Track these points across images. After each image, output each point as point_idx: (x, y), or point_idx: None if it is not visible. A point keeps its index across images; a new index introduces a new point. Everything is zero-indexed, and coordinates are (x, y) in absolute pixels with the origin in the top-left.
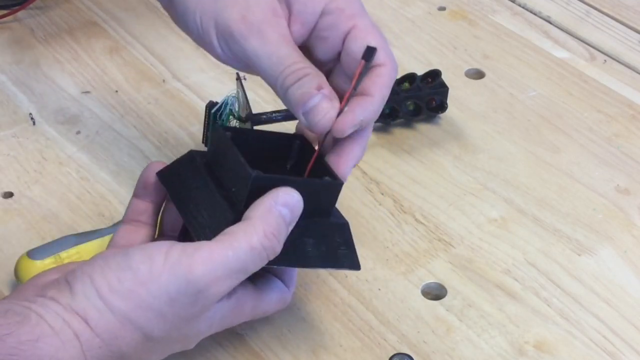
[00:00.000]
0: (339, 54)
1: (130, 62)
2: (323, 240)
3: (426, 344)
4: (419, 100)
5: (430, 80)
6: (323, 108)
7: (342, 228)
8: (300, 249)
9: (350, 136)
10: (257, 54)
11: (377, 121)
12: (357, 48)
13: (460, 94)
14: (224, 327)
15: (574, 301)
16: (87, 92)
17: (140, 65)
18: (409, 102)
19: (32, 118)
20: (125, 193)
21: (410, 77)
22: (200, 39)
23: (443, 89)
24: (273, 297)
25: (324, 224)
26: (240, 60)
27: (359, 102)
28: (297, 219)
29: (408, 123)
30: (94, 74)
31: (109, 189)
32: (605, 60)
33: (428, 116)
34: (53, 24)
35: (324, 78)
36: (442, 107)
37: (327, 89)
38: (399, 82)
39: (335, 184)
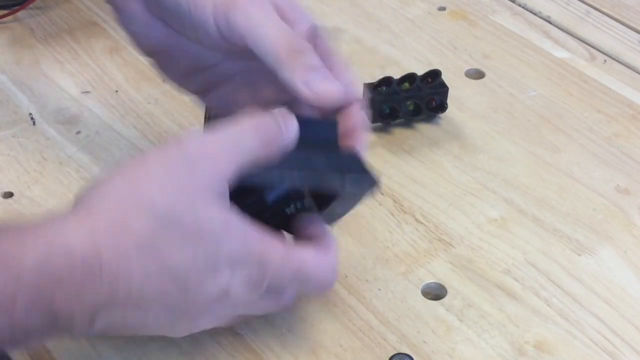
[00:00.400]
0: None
1: (130, 62)
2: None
3: (426, 344)
4: (419, 100)
5: (430, 80)
6: (331, 80)
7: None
8: (307, 163)
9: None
10: (259, 22)
11: (376, 121)
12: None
13: (460, 94)
14: (256, 259)
15: (574, 301)
16: (87, 92)
17: (140, 65)
18: (409, 102)
19: (32, 118)
20: None
21: (410, 77)
22: (190, 19)
23: (443, 89)
24: (305, 251)
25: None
26: (233, 33)
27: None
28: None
29: (408, 123)
30: (94, 74)
31: None
32: (605, 60)
33: (428, 116)
34: (53, 24)
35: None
36: (442, 107)
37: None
38: (399, 82)
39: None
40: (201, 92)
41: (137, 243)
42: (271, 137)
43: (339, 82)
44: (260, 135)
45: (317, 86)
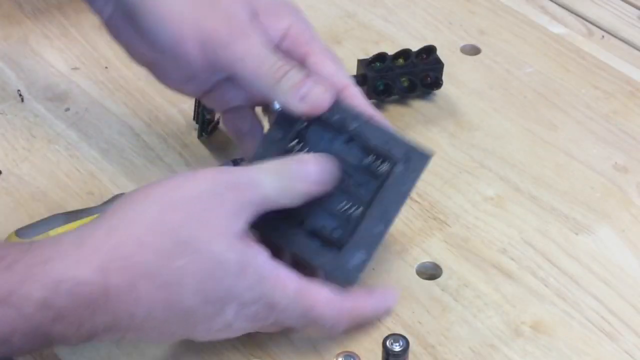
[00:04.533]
0: None
1: None
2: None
3: (421, 324)
4: (413, 76)
5: (425, 56)
6: (318, 89)
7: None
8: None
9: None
10: (244, 55)
11: (371, 98)
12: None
13: (455, 70)
14: (266, 301)
15: (571, 281)
16: (77, 68)
17: None
18: (403, 79)
19: (20, 95)
20: (115, 171)
21: (404, 53)
22: (172, 51)
23: (438, 65)
24: (321, 291)
25: None
26: (218, 67)
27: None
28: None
29: (402, 100)
30: (84, 50)
31: (98, 167)
32: (603, 36)
33: (423, 93)
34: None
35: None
36: (437, 83)
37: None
38: (394, 58)
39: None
40: (197, 95)
41: (148, 270)
42: (290, 184)
43: (326, 85)
44: (281, 178)
45: (311, 101)
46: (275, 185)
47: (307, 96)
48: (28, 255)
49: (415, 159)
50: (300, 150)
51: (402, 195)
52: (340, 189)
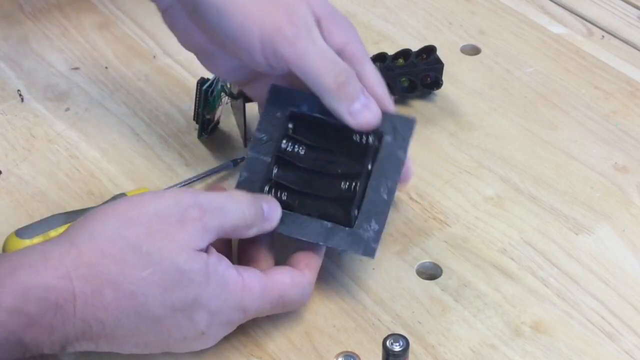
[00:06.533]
0: None
1: (120, 38)
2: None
3: (421, 324)
4: (413, 76)
5: (425, 56)
6: (369, 113)
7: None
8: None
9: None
10: (307, 53)
11: None
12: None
13: (455, 70)
14: (235, 306)
15: (572, 281)
16: (77, 68)
17: (130, 41)
18: (403, 79)
19: (20, 95)
20: (114, 171)
21: (404, 53)
22: (234, 43)
23: (438, 65)
24: (283, 278)
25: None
26: (280, 62)
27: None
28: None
29: (402, 100)
30: (84, 50)
31: (98, 167)
32: (603, 36)
33: (423, 93)
34: None
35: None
36: (437, 83)
37: (365, 91)
38: (394, 58)
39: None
40: (242, 84)
41: (112, 278)
42: (255, 220)
43: (376, 106)
44: (249, 212)
45: (360, 117)
46: (241, 217)
47: (358, 114)
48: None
49: (401, 127)
50: (294, 143)
51: (398, 162)
52: (335, 175)
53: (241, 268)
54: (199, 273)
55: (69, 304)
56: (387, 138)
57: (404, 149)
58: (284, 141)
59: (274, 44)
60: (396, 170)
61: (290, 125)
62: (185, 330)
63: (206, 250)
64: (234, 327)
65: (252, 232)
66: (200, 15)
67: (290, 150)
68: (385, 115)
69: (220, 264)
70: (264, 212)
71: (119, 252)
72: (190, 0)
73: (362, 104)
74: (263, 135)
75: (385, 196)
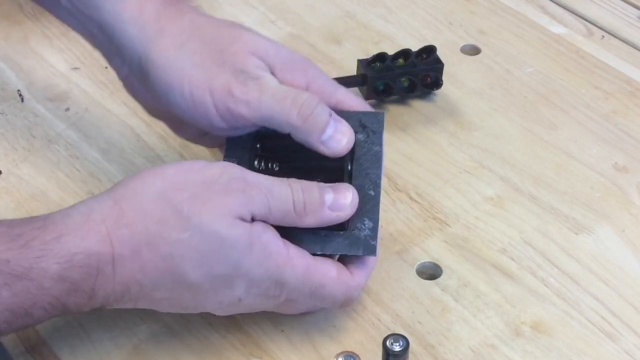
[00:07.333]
0: None
1: None
2: None
3: (421, 324)
4: (413, 76)
5: (425, 56)
6: (343, 130)
7: None
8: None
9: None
10: (261, 104)
11: (371, 98)
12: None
13: (455, 70)
14: (275, 278)
15: (572, 281)
16: (77, 68)
17: None
18: (403, 79)
19: (20, 95)
20: (114, 171)
21: (404, 53)
22: (191, 112)
23: (438, 65)
24: (330, 270)
25: None
26: (240, 120)
27: None
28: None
29: (402, 100)
30: (84, 50)
31: (98, 167)
32: (603, 36)
33: (423, 93)
34: None
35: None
36: (437, 83)
37: (334, 115)
38: (393, 58)
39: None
40: (217, 146)
41: (151, 239)
42: (310, 208)
43: (348, 127)
44: (299, 198)
45: (333, 144)
46: (289, 200)
47: (330, 141)
48: (43, 232)
49: (371, 122)
50: (266, 161)
51: (377, 156)
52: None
53: (289, 243)
54: (240, 240)
55: (109, 267)
56: (360, 137)
57: (379, 143)
58: (256, 162)
59: (228, 107)
60: (377, 164)
61: (258, 145)
62: (222, 296)
63: (251, 221)
64: (268, 304)
65: (308, 221)
66: (151, 87)
67: (264, 168)
68: (353, 114)
69: (266, 233)
70: (324, 201)
71: (160, 213)
72: (140, 70)
73: (333, 129)
74: (233, 159)
75: (372, 192)
